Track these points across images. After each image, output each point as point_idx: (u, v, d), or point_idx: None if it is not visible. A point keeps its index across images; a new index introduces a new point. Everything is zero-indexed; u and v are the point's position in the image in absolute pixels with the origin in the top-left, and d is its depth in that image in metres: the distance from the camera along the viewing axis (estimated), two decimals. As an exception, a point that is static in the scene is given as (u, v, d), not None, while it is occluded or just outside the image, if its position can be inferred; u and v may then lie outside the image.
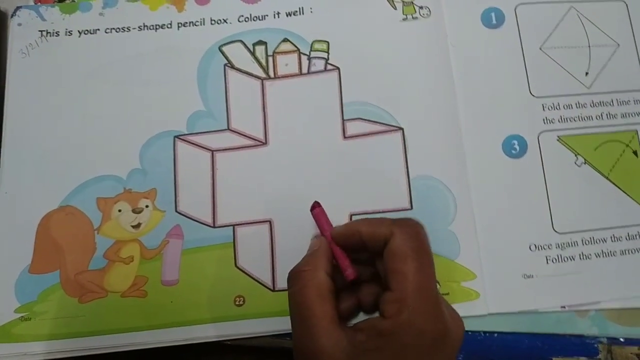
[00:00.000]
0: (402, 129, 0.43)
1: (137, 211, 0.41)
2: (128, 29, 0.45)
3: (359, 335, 0.29)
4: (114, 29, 0.45)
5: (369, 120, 0.43)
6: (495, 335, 0.41)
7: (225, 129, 0.43)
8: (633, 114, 0.45)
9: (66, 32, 0.45)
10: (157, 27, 0.45)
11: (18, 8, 0.46)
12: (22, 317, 0.39)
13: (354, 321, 0.32)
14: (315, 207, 0.37)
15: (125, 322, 0.39)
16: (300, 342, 0.30)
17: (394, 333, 0.28)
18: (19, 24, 0.45)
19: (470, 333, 0.41)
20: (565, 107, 0.44)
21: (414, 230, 0.31)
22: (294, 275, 0.32)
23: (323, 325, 0.29)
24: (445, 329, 0.29)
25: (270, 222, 0.41)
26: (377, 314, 0.31)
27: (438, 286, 0.33)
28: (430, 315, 0.29)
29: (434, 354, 0.29)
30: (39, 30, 0.45)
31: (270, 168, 0.42)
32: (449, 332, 0.29)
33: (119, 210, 0.41)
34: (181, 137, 0.43)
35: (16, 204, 0.41)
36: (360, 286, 0.33)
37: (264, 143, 0.43)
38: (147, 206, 0.41)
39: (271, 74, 0.44)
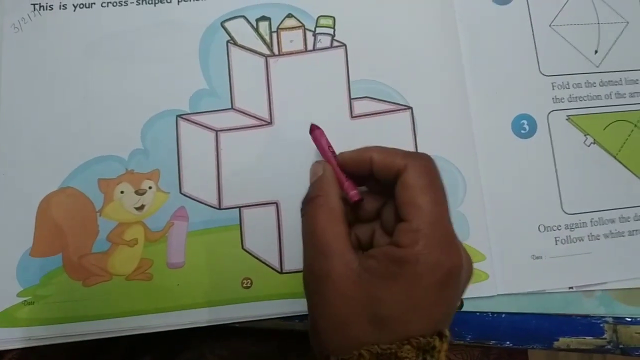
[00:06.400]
0: (411, 108, 0.42)
1: (140, 193, 0.40)
2: (126, 3, 0.43)
3: (371, 260, 0.29)
4: (110, 2, 0.43)
5: (377, 99, 0.42)
6: (503, 315, 0.41)
7: (229, 108, 0.42)
8: (641, 93, 0.44)
9: (60, 5, 0.43)
10: (156, 1, 0.43)
11: (9, -20, 0.43)
12: (25, 301, 0.38)
13: None
14: (314, 129, 0.35)
15: (130, 306, 0.39)
16: (311, 264, 0.30)
17: (409, 262, 0.28)
18: (11, -3, 0.43)
19: (478, 314, 0.41)
20: (575, 85, 0.44)
21: (427, 164, 0.31)
22: (307, 203, 0.32)
23: (336, 246, 0.29)
24: (461, 263, 0.29)
25: (276, 203, 0.41)
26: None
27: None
28: (445, 248, 0.29)
29: (448, 287, 0.29)
30: (32, 4, 0.43)
31: (276, 148, 0.41)
32: (463, 266, 0.29)
33: (122, 192, 0.40)
34: (184, 116, 0.41)
35: (15, 185, 0.40)
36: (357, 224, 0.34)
37: (269, 123, 0.42)
38: (150, 187, 0.40)
39: (275, 50, 0.43)
